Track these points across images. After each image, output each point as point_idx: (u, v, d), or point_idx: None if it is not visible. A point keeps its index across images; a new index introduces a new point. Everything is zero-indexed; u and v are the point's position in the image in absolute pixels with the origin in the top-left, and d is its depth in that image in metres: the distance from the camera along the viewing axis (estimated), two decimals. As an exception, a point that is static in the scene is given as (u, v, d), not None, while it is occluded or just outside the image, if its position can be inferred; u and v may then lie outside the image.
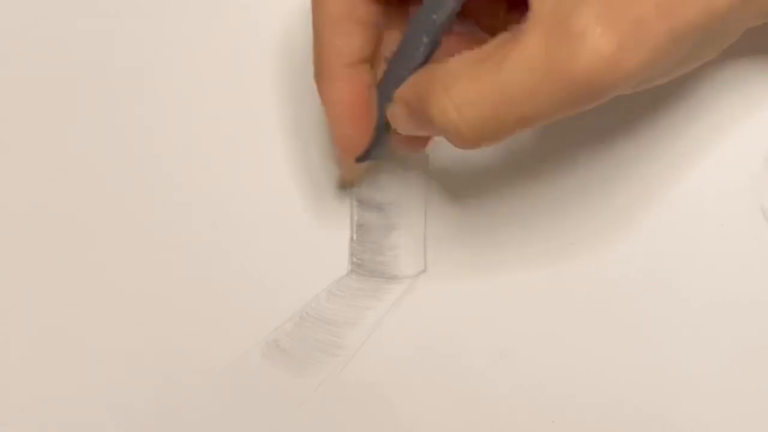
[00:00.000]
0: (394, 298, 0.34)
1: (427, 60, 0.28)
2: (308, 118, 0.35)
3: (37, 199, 0.36)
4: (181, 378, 0.34)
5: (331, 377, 0.34)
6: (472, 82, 0.26)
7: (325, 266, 0.35)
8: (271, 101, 0.35)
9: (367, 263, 0.35)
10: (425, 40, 0.28)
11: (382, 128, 0.30)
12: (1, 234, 0.36)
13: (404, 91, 0.28)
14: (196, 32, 0.36)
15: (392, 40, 0.30)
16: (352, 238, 0.35)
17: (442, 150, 0.35)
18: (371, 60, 0.30)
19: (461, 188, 0.35)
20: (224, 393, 0.34)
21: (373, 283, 0.34)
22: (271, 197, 0.35)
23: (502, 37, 0.26)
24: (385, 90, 0.29)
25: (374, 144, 0.31)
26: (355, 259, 0.35)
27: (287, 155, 0.35)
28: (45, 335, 0.35)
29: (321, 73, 0.30)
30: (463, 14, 0.28)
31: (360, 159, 0.31)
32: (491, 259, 0.34)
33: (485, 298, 0.34)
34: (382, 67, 0.30)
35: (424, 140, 0.32)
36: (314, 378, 0.34)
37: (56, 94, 0.36)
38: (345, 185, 0.35)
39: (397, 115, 0.29)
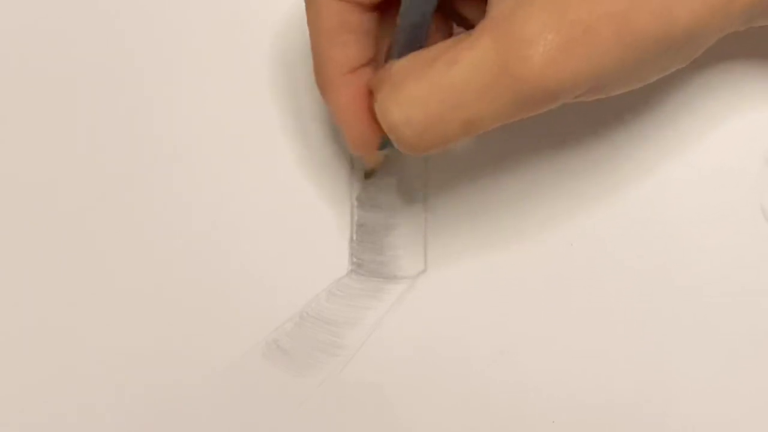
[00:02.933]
0: (394, 298, 0.34)
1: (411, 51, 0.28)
2: (308, 118, 0.35)
3: (37, 199, 0.36)
4: (181, 378, 0.34)
5: (331, 377, 0.34)
6: (419, 82, 0.26)
7: (325, 266, 0.35)
8: (270, 101, 0.35)
9: (367, 263, 0.35)
10: (402, 40, 0.28)
11: None
12: (1, 233, 0.36)
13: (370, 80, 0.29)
14: (193, 32, 0.36)
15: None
16: (352, 238, 0.35)
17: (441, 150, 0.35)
18: (374, 61, 0.30)
19: (461, 188, 0.35)
20: (224, 393, 0.34)
21: (373, 283, 0.34)
22: (270, 197, 0.35)
23: (455, 39, 0.26)
24: None
25: None
26: (355, 259, 0.35)
27: (287, 155, 0.35)
28: (44, 335, 0.35)
29: (323, 83, 0.30)
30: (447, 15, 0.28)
31: (381, 147, 0.31)
32: (491, 259, 0.34)
33: (485, 298, 0.34)
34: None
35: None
36: (314, 378, 0.34)
37: (56, 94, 0.36)
38: (370, 174, 0.35)
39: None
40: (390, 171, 0.35)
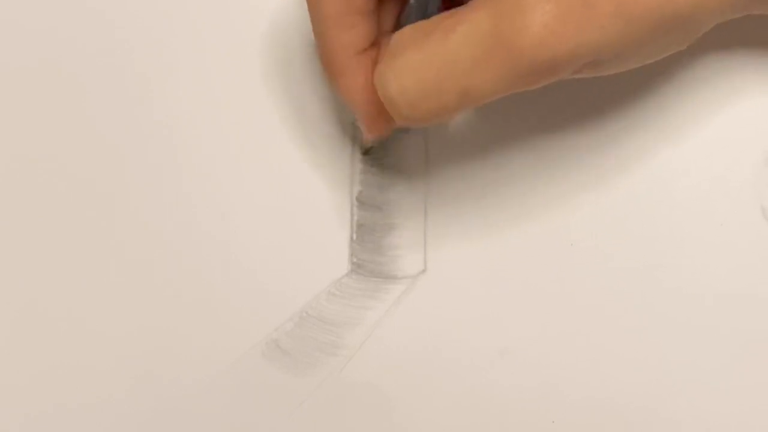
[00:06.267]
0: (394, 298, 0.34)
1: None
2: (307, 117, 0.35)
3: (37, 198, 0.36)
4: (181, 378, 0.34)
5: (331, 377, 0.34)
6: (416, 51, 0.26)
7: (325, 266, 0.35)
8: (270, 101, 0.35)
9: (367, 263, 0.35)
10: (413, 17, 0.28)
11: None
12: (3, 231, 0.36)
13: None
14: (191, 29, 0.36)
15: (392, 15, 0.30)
16: (352, 238, 0.35)
17: (442, 149, 0.35)
18: (378, 40, 0.30)
19: (461, 188, 0.35)
20: (224, 393, 0.34)
21: (373, 283, 0.34)
22: (270, 197, 0.35)
23: (455, 10, 0.26)
24: None
25: None
26: (355, 259, 0.35)
27: (287, 155, 0.35)
28: (44, 335, 0.35)
29: (331, 68, 0.30)
30: None
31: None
32: (491, 259, 0.34)
33: (485, 298, 0.34)
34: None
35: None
36: (314, 378, 0.34)
37: (58, 91, 0.36)
38: (368, 151, 0.34)
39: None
40: (390, 170, 0.35)
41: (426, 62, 0.26)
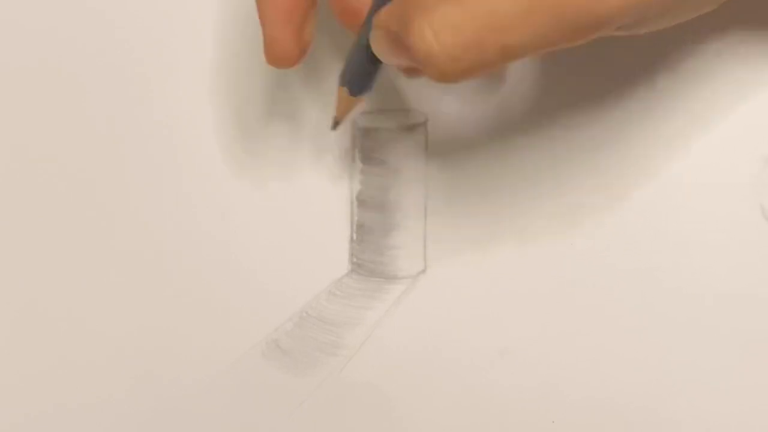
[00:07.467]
0: (394, 298, 0.34)
1: None
2: (307, 117, 0.35)
3: (38, 197, 0.36)
4: (182, 377, 0.34)
5: (331, 377, 0.34)
6: (454, 6, 0.25)
7: (325, 266, 0.35)
8: (270, 101, 0.35)
9: (367, 263, 0.35)
10: None
11: (370, 58, 0.29)
12: (5, 230, 0.36)
13: (385, 15, 0.27)
14: (211, 22, 0.36)
15: None
16: (352, 238, 0.35)
17: (442, 150, 0.35)
18: None
19: (461, 188, 0.35)
20: (224, 393, 0.34)
21: (373, 283, 0.34)
22: (270, 197, 0.35)
23: None
24: (371, 18, 0.28)
25: (362, 75, 0.30)
26: (355, 259, 0.35)
27: (287, 155, 0.35)
28: (44, 334, 0.35)
29: None
30: None
31: (353, 93, 0.30)
32: (491, 259, 0.34)
33: (485, 298, 0.34)
34: None
35: (414, 70, 0.30)
36: (314, 378, 0.34)
37: (58, 91, 0.36)
38: (337, 124, 0.32)
39: (378, 42, 0.28)
40: (389, 169, 0.35)
41: (468, 16, 0.25)
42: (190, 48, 0.36)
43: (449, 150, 0.35)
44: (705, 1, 0.27)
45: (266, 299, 0.34)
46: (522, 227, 0.34)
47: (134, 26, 0.36)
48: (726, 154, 0.34)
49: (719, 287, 0.33)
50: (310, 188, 0.35)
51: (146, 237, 0.35)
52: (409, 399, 0.34)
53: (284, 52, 0.30)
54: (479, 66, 0.25)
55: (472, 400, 0.34)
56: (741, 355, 0.33)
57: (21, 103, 0.36)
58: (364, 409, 0.34)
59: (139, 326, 0.35)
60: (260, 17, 0.30)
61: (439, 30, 0.25)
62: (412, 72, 0.30)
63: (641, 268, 0.34)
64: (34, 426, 0.35)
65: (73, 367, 0.35)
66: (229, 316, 0.34)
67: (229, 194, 0.35)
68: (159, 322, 0.35)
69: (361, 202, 0.35)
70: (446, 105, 0.34)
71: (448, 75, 0.25)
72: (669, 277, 0.34)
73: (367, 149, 0.35)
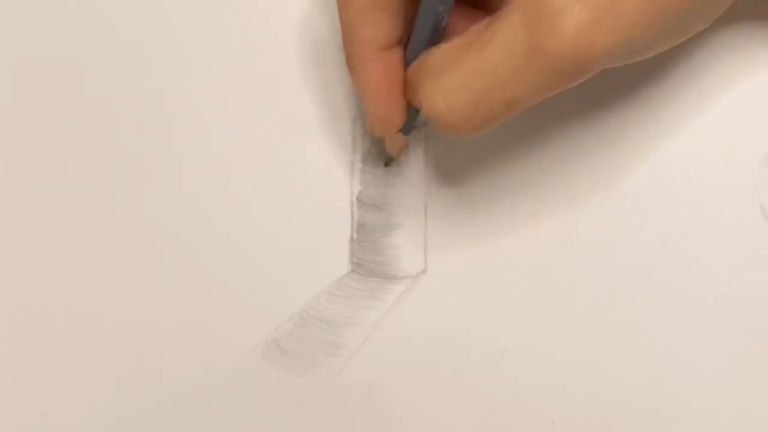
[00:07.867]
0: (394, 298, 0.34)
1: (433, 42, 0.29)
2: (308, 117, 0.35)
3: (39, 196, 0.36)
4: (182, 377, 0.34)
5: (331, 377, 0.34)
6: (456, 70, 0.27)
7: (325, 266, 0.35)
8: (270, 101, 0.36)
9: (367, 263, 0.35)
10: (426, 24, 0.29)
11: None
12: (6, 229, 0.36)
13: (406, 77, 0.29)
14: (211, 21, 0.36)
15: None
16: (352, 238, 0.35)
17: (442, 150, 0.35)
18: (403, 40, 0.30)
19: (461, 188, 0.35)
20: (224, 393, 0.34)
21: (373, 283, 0.34)
22: (270, 197, 0.35)
23: (483, 23, 0.27)
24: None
25: (411, 118, 0.31)
26: (355, 259, 0.35)
27: (287, 155, 0.35)
28: (43, 334, 0.35)
29: (352, 61, 0.30)
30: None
31: (405, 133, 0.32)
32: (491, 259, 0.34)
33: (485, 298, 0.34)
34: None
35: None
36: (314, 378, 0.34)
37: (59, 91, 0.36)
38: (390, 161, 0.35)
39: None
40: (390, 169, 0.35)
41: (469, 79, 0.27)
42: (192, 47, 0.36)
43: (449, 150, 0.35)
44: (688, 28, 0.28)
45: (266, 299, 0.34)
46: (522, 227, 0.34)
47: (137, 26, 0.36)
48: (726, 154, 0.34)
49: (719, 287, 0.33)
50: (311, 188, 0.35)
51: (146, 237, 0.35)
52: (409, 399, 0.34)
53: (390, 124, 0.31)
54: (489, 121, 0.27)
55: (472, 400, 0.34)
56: (741, 355, 0.33)
57: (21, 103, 0.36)
58: (364, 409, 0.34)
59: (139, 326, 0.35)
60: (359, 91, 0.31)
61: (445, 94, 0.27)
62: None
63: (641, 267, 0.34)
64: (34, 426, 0.35)
65: (73, 366, 0.35)
66: (228, 316, 0.35)
67: (230, 193, 0.35)
68: (159, 322, 0.35)
69: (361, 202, 0.35)
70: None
71: (461, 131, 0.28)
72: (669, 276, 0.34)
73: (368, 149, 0.35)
